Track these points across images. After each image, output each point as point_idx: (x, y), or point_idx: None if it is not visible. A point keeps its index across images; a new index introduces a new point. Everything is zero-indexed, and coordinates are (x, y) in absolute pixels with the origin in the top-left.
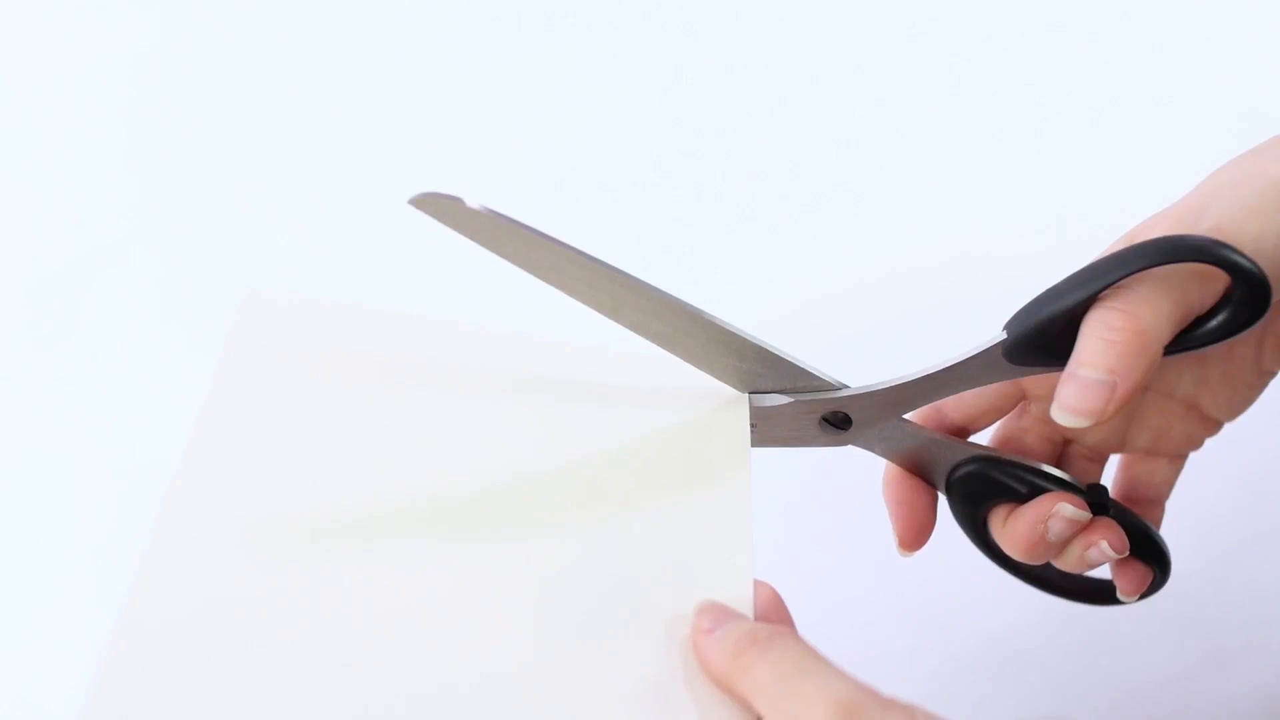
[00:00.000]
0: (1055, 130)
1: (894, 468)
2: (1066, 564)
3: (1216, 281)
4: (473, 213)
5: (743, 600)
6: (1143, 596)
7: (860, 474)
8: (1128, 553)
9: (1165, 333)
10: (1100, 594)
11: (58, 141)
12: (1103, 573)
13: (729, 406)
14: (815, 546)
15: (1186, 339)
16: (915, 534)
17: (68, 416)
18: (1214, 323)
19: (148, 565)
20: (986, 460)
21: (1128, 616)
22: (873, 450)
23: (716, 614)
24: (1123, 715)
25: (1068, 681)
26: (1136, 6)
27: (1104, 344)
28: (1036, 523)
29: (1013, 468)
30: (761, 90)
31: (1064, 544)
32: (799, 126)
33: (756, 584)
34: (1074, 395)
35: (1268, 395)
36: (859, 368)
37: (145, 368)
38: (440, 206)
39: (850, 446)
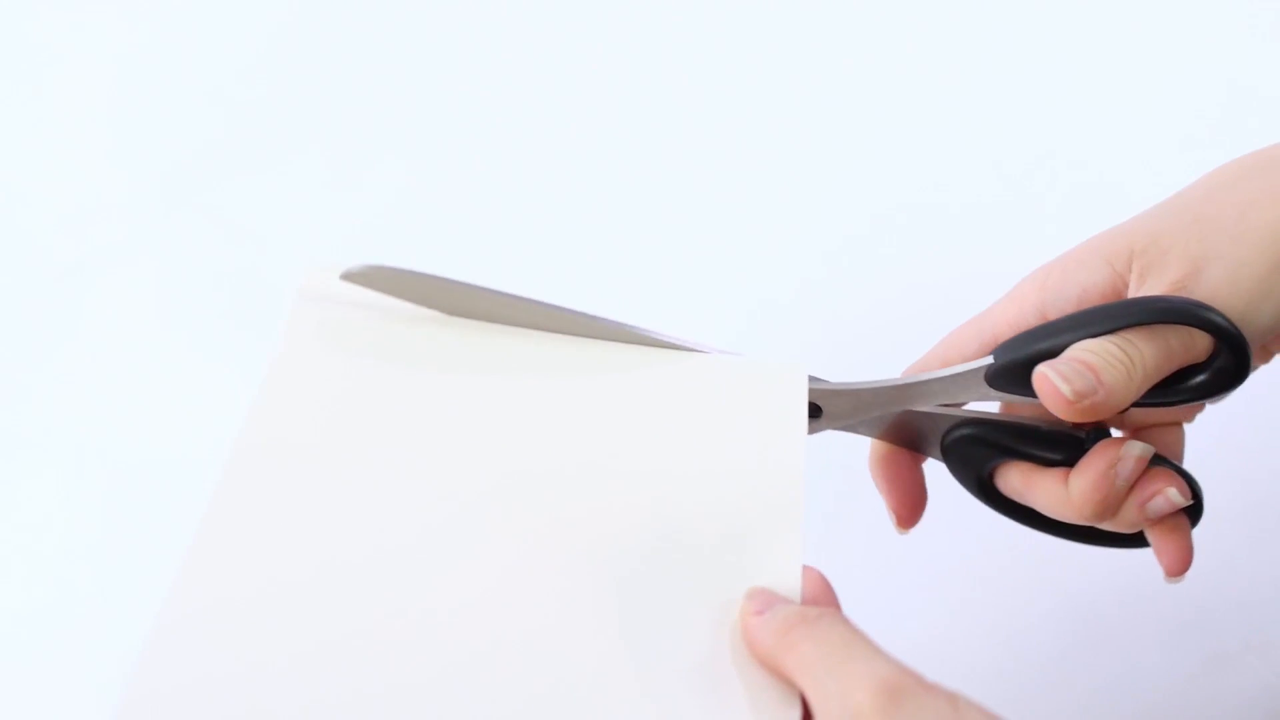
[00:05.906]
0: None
1: (879, 446)
2: (1121, 523)
3: (1204, 339)
4: (403, 273)
5: (791, 585)
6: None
7: None
8: (1192, 500)
9: (1152, 372)
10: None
11: (58, 141)
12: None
13: (784, 391)
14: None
15: (1174, 390)
16: (911, 510)
17: (68, 416)
18: (1199, 379)
19: (192, 558)
20: (981, 422)
21: (1128, 618)
22: (855, 431)
23: (766, 597)
24: (1124, 716)
25: (1068, 683)
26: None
27: (1098, 358)
28: (1107, 469)
29: (1011, 426)
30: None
31: (1127, 494)
32: (800, 130)
33: (805, 569)
34: (1069, 370)
35: (1267, 397)
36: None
37: (145, 368)
38: (369, 277)
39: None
